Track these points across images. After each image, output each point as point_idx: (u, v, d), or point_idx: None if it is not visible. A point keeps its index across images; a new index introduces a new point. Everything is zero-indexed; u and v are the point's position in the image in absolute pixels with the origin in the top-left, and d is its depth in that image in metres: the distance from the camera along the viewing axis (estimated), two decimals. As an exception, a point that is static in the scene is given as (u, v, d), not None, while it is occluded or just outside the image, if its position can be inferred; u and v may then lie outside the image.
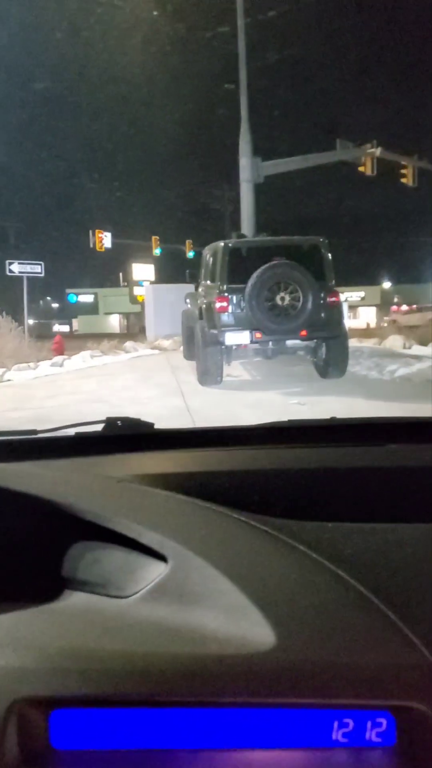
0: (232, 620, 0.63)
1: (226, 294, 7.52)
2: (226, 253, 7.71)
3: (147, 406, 6.57)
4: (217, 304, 7.52)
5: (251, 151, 14.46)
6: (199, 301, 8.64)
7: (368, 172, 16.60)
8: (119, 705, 0.58)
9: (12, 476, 0.92)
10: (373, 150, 16.42)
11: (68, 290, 51.26)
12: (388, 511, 0.90)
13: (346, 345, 7.97)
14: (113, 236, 24.14)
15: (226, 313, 7.50)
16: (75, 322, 51.48)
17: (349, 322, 12.26)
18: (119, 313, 49.42)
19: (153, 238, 26.63)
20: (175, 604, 0.67)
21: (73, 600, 0.75)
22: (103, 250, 23.58)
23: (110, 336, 20.67)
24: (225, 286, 7.57)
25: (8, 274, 16.03)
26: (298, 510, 0.88)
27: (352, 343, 10.20)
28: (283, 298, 7.29)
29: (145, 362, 11.94)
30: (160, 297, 18.49)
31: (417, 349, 12.04)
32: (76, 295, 51.08)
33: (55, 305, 60.94)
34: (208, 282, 8.39)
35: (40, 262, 16.41)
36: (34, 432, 1.24)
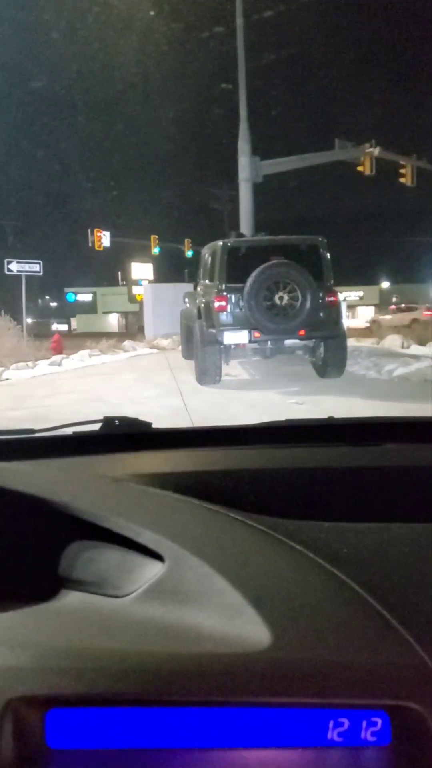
0: (228, 619, 0.63)
1: (224, 293, 7.52)
2: (225, 253, 7.70)
3: (145, 406, 6.57)
4: (216, 304, 7.52)
5: (250, 151, 14.46)
6: (197, 301, 8.64)
7: (367, 172, 16.60)
8: (115, 704, 0.58)
9: (9, 475, 0.92)
10: (371, 149, 16.42)
11: (67, 289, 51.28)
12: (384, 511, 0.90)
13: (344, 345, 7.98)
14: (112, 235, 24.16)
15: (225, 313, 7.50)
16: (73, 321, 51.45)
17: (347, 322, 12.27)
18: (118, 312, 49.38)
19: (152, 237, 26.65)
20: (172, 603, 0.67)
21: (70, 599, 0.75)
22: (101, 249, 23.58)
23: (109, 335, 20.64)
24: (224, 286, 7.57)
25: (7, 272, 16.02)
26: (295, 509, 0.88)
27: (351, 342, 10.20)
28: (281, 298, 7.29)
29: (143, 361, 11.93)
30: (159, 296, 18.47)
31: (415, 349, 12.06)
32: (75, 294, 51.04)
33: (53, 304, 60.98)
34: (207, 281, 8.38)
35: (39, 261, 16.44)
36: (32, 431, 1.24)
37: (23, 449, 1.17)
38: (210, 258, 8.40)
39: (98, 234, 23.13)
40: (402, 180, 17.34)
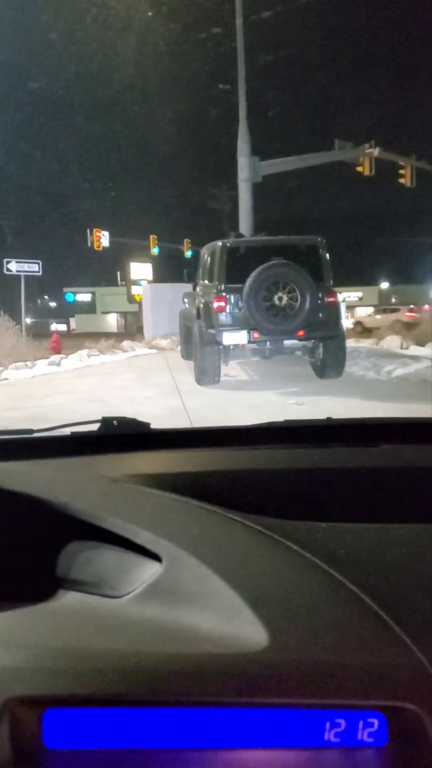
0: (226, 620, 0.63)
1: (224, 294, 7.52)
2: (224, 253, 7.70)
3: (144, 406, 6.57)
4: (215, 304, 7.52)
5: (249, 151, 14.47)
6: (196, 301, 8.63)
7: (366, 172, 16.61)
8: (112, 704, 0.58)
9: (7, 475, 0.92)
10: (371, 150, 16.44)
11: (66, 289, 51.24)
12: (382, 512, 0.90)
13: (343, 345, 7.98)
14: (111, 235, 24.16)
15: (224, 313, 7.50)
16: (72, 321, 51.46)
17: (346, 323, 12.28)
18: (117, 313, 49.39)
19: (151, 237, 26.63)
20: (169, 603, 0.67)
21: (67, 599, 0.75)
22: (100, 249, 23.58)
23: (108, 335, 20.65)
24: (223, 286, 7.57)
25: (6, 272, 16.01)
26: (293, 510, 0.88)
27: (349, 343, 10.21)
28: (280, 298, 7.29)
29: (142, 362, 11.93)
30: (158, 296, 18.48)
31: (414, 350, 12.08)
32: (74, 294, 51.02)
33: (52, 304, 61.02)
34: (206, 281, 8.38)
35: (38, 261, 16.42)
36: (30, 431, 1.24)
37: (22, 449, 1.17)
38: (209, 258, 8.40)
39: (97, 234, 23.13)
40: (401, 180, 17.35)
